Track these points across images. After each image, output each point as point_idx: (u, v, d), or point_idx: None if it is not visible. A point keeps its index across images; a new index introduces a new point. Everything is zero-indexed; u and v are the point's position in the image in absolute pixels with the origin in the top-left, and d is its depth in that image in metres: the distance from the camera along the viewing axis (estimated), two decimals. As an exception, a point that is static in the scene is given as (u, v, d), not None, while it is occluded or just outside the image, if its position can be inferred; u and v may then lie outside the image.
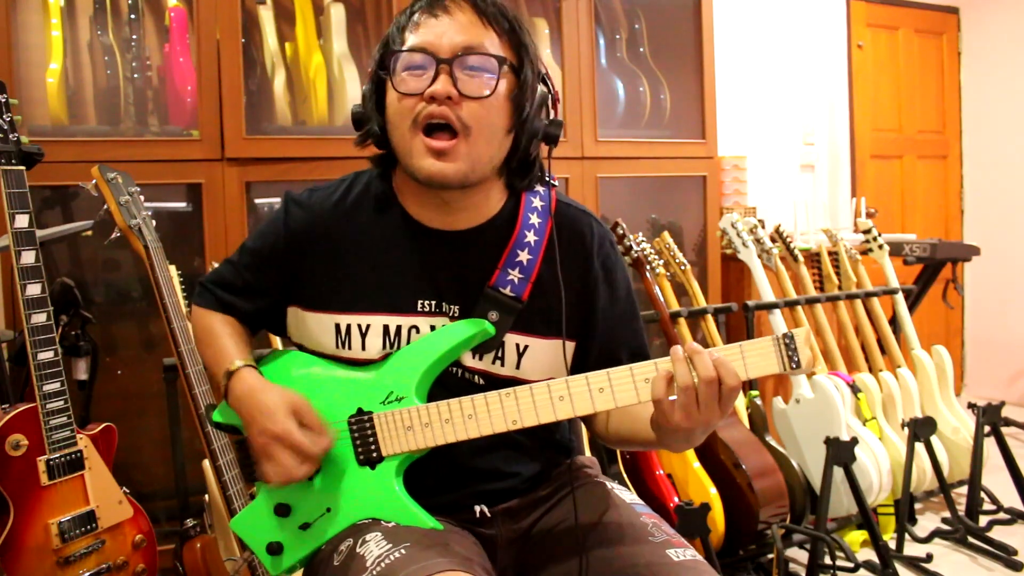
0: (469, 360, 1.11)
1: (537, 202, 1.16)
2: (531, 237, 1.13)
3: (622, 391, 1.01)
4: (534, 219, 1.15)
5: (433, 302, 1.11)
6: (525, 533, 1.16)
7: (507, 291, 1.11)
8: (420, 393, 1.08)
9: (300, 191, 1.18)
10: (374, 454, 1.07)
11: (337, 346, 1.11)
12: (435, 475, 1.11)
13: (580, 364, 1.18)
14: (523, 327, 1.12)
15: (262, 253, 1.18)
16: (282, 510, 1.08)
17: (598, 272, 1.17)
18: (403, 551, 0.95)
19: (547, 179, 1.17)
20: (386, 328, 1.10)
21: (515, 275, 1.11)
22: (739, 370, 0.97)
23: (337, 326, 1.11)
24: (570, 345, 1.16)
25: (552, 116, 1.12)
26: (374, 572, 0.93)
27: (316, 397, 1.10)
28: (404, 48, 1.05)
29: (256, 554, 1.09)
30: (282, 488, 1.08)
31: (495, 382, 1.12)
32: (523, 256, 1.12)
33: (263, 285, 1.18)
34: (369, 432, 1.07)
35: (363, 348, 1.10)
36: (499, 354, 1.12)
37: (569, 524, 1.12)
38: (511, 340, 1.12)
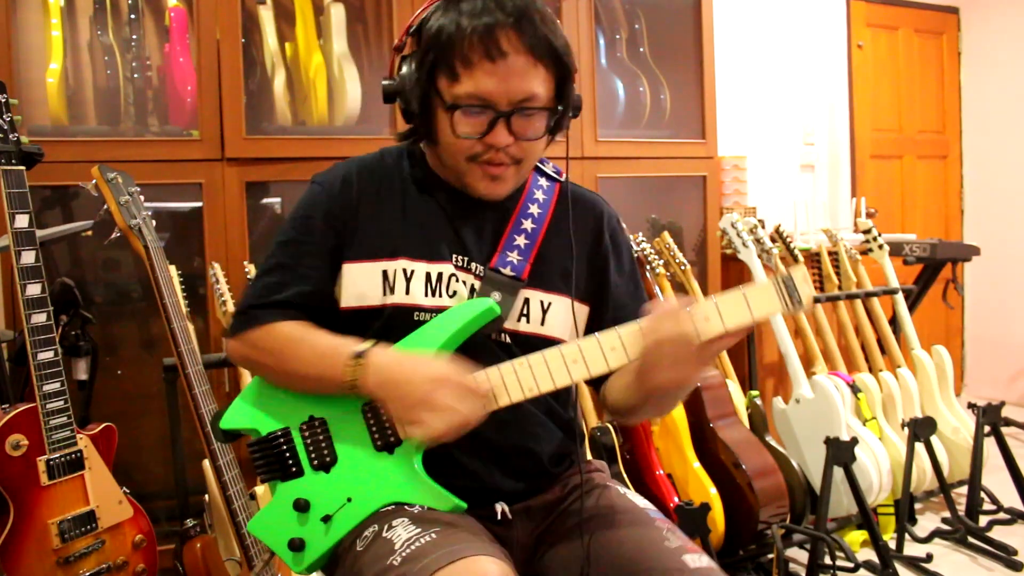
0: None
1: (543, 181, 1.24)
2: (527, 224, 1.19)
3: (633, 346, 1.03)
4: (539, 195, 1.22)
5: (465, 258, 1.16)
6: (538, 537, 1.17)
7: (507, 271, 1.15)
8: None
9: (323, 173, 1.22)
10: (391, 438, 1.08)
11: (384, 292, 1.13)
12: (454, 459, 1.11)
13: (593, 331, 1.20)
14: (543, 284, 1.17)
15: (310, 222, 1.17)
16: (301, 505, 1.08)
17: (608, 246, 1.24)
18: (433, 535, 0.96)
19: (554, 172, 1.25)
20: (428, 275, 1.14)
21: (514, 257, 1.17)
22: (744, 314, 0.99)
23: (384, 272, 1.14)
24: (585, 309, 1.22)
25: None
26: (403, 554, 0.94)
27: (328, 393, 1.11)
28: (462, 102, 1.07)
29: (277, 553, 1.09)
30: (312, 482, 1.08)
31: (520, 339, 1.15)
32: (520, 240, 1.18)
33: (318, 257, 1.16)
34: (384, 417, 1.08)
35: (407, 292, 1.13)
36: (524, 311, 1.16)
37: (576, 522, 1.13)
38: (536, 297, 1.17)
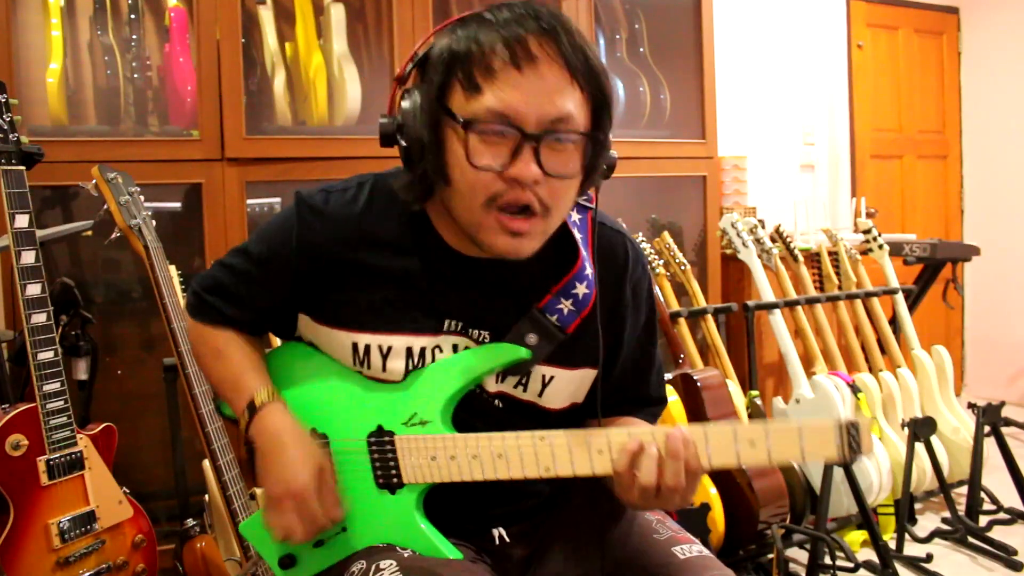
0: (491, 383, 1.05)
1: (576, 217, 1.08)
2: (589, 270, 1.04)
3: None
4: (577, 234, 1.06)
5: (461, 323, 1.03)
6: (536, 547, 1.14)
7: (554, 319, 1.02)
8: (445, 418, 1.01)
9: (313, 193, 1.05)
10: (394, 479, 1.02)
11: (355, 364, 1.04)
12: (453, 498, 1.05)
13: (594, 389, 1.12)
14: (553, 359, 1.05)
15: (269, 263, 1.06)
16: None
17: (628, 299, 1.10)
18: None
19: (584, 203, 1.09)
20: (409, 350, 1.02)
21: (567, 305, 1.03)
22: (794, 451, 0.90)
23: (355, 345, 1.03)
24: (592, 373, 1.09)
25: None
26: None
27: (333, 407, 1.06)
28: (480, 118, 0.89)
29: (268, 563, 1.08)
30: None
31: (515, 405, 1.06)
32: (580, 289, 1.03)
33: (268, 297, 1.08)
34: (390, 455, 1.01)
35: (383, 370, 1.03)
36: (523, 380, 1.05)
37: (574, 526, 1.11)
38: (538, 370, 1.05)
